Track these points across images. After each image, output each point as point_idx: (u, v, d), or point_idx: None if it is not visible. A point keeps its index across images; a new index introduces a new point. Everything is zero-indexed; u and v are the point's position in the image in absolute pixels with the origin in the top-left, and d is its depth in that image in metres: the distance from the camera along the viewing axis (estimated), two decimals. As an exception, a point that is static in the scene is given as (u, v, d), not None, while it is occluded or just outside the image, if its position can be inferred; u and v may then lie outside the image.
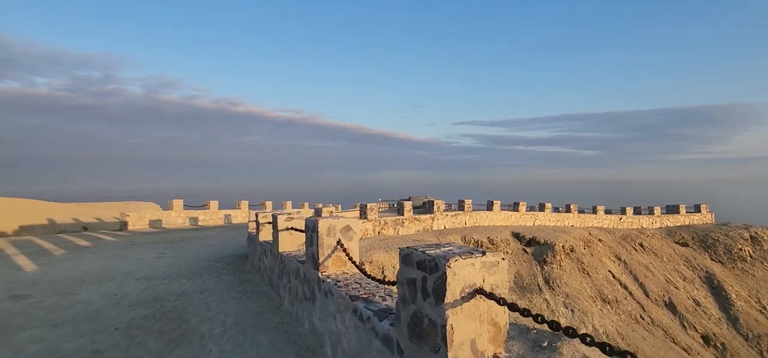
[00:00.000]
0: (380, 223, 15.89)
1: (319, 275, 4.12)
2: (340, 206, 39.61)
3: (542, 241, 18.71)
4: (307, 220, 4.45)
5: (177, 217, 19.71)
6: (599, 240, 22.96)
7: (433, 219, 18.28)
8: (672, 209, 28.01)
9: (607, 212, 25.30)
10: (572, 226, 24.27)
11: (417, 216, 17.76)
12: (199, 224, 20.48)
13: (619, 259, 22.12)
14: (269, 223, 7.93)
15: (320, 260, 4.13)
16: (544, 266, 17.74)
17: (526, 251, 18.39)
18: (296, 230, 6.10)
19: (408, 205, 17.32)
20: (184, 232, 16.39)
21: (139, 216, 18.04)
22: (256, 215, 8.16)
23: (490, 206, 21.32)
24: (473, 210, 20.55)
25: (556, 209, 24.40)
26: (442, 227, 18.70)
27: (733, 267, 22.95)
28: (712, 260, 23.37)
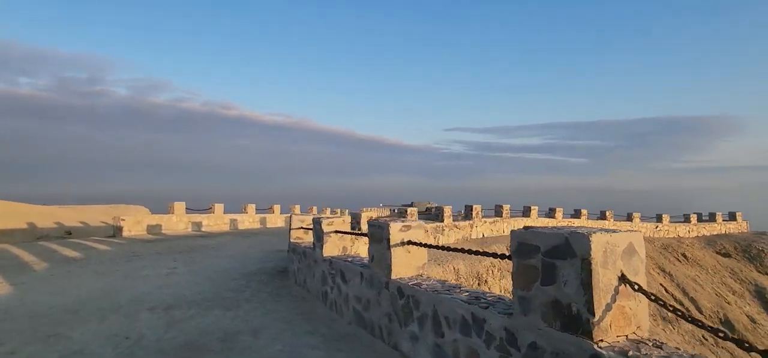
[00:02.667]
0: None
1: (597, 348, 1.99)
2: (346, 210, 37.39)
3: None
4: (533, 231, 2.31)
5: (178, 222, 17.30)
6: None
7: (472, 226, 16.22)
8: (690, 217, 26.32)
9: (644, 219, 23.56)
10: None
11: (456, 223, 15.68)
12: (203, 229, 18.10)
13: (664, 271, 20.31)
14: (337, 232, 5.74)
15: (596, 316, 2.00)
16: (599, 280, 15.78)
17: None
18: (415, 244, 3.96)
19: (447, 210, 15.23)
20: (190, 239, 14.04)
21: (136, 220, 15.62)
22: (318, 221, 5.94)
23: (527, 212, 19.36)
24: (510, 217, 18.56)
25: (591, 216, 22.57)
26: (482, 235, 16.65)
27: (782, 280, 21.30)
28: (759, 272, 21.71)
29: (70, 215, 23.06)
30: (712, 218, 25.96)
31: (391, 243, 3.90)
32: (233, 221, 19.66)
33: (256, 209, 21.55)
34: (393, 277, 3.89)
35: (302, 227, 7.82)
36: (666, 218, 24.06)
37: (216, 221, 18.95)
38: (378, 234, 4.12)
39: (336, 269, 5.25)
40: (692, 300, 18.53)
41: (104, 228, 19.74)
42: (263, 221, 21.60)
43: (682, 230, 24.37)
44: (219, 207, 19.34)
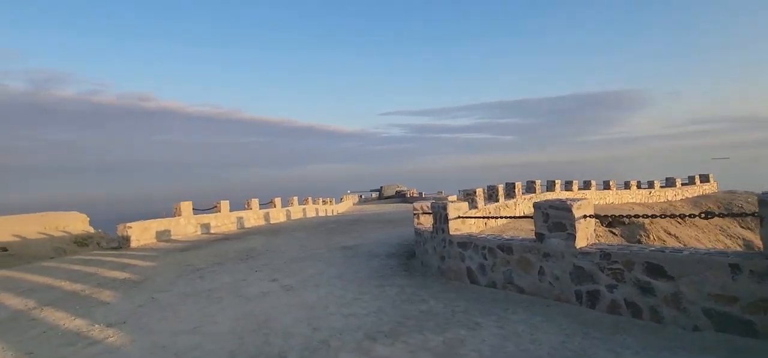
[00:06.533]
0: (486, 212, 12.83)
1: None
2: (332, 198, 35.52)
3: (628, 221, 16.93)
4: None
5: (187, 224, 14.83)
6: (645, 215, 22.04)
7: (516, 204, 15.61)
8: (675, 181, 28.10)
9: (639, 186, 24.64)
10: (612, 203, 23.16)
11: (506, 202, 14.95)
12: (212, 230, 15.77)
13: (670, 234, 21.32)
14: (588, 216, 4.56)
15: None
16: (641, 248, 15.99)
17: (613, 233, 16.51)
18: None
19: (499, 188, 14.42)
20: (220, 243, 11.92)
21: (143, 228, 13.00)
22: (559, 206, 4.65)
23: (551, 187, 19.21)
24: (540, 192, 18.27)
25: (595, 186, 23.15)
26: (523, 213, 16.12)
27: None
28: (742, 227, 23.61)
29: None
30: (690, 181, 27.87)
31: None
32: (239, 220, 17.45)
33: (260, 204, 19.42)
34: None
35: (460, 217, 6.48)
36: (657, 183, 25.36)
37: (223, 220, 16.64)
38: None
39: (627, 263, 4.09)
40: (702, 259, 19.58)
41: (46, 240, 15.94)
42: (267, 217, 19.51)
43: (670, 193, 25.87)
44: (225, 205, 17.02)
